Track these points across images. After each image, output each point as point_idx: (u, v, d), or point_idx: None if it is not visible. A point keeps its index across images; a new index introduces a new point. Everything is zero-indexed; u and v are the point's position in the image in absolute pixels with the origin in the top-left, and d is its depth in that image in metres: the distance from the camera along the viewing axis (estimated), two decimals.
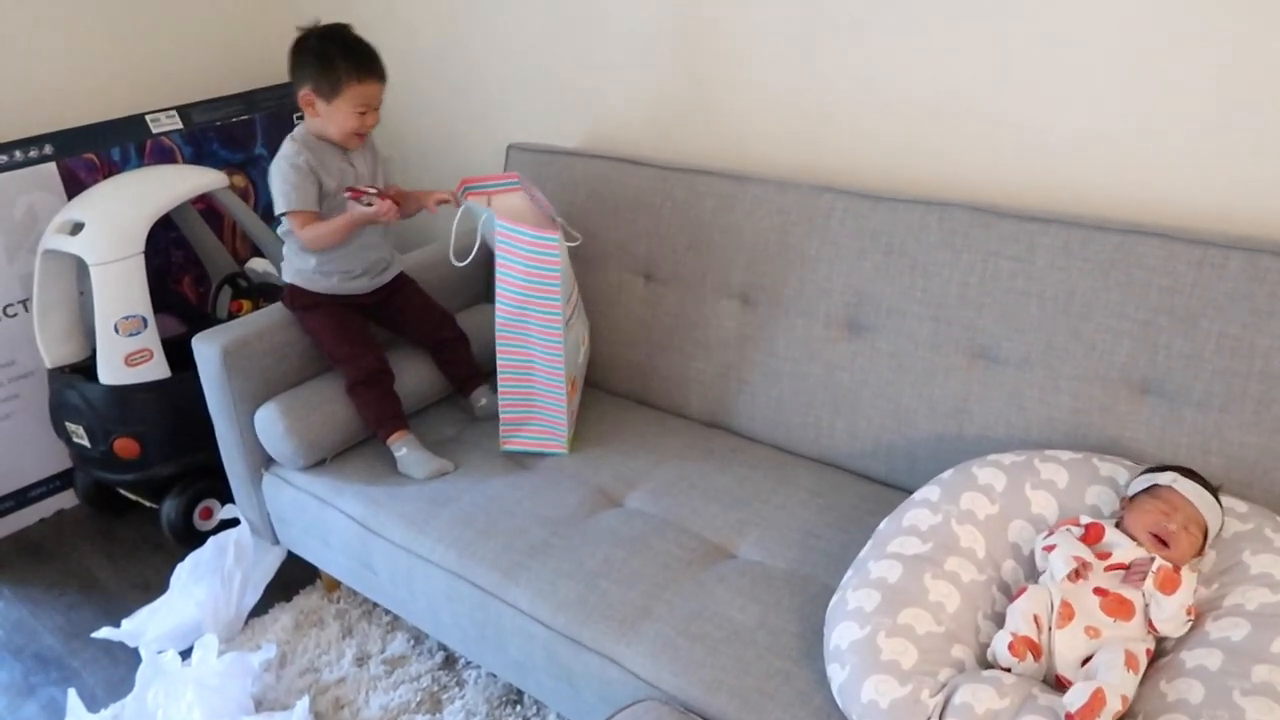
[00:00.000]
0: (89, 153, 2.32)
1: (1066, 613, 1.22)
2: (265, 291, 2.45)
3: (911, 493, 1.50)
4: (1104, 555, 1.29)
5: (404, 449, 1.84)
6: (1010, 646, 1.21)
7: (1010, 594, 1.32)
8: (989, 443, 1.61)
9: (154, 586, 2.13)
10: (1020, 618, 1.23)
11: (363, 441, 1.94)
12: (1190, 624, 1.23)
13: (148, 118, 2.42)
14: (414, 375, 1.99)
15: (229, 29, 2.70)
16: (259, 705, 1.82)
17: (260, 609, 2.05)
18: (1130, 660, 1.15)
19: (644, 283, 2.04)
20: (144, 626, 1.95)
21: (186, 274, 2.56)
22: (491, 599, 1.56)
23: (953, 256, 1.65)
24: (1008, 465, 1.45)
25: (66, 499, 2.50)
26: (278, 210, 1.79)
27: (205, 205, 2.46)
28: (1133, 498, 1.34)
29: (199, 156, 2.50)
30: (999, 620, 1.29)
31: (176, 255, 2.52)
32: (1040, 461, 1.45)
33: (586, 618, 1.46)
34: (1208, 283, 1.44)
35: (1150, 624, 1.22)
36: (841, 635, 1.26)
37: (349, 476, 1.84)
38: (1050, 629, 1.23)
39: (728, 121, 2.05)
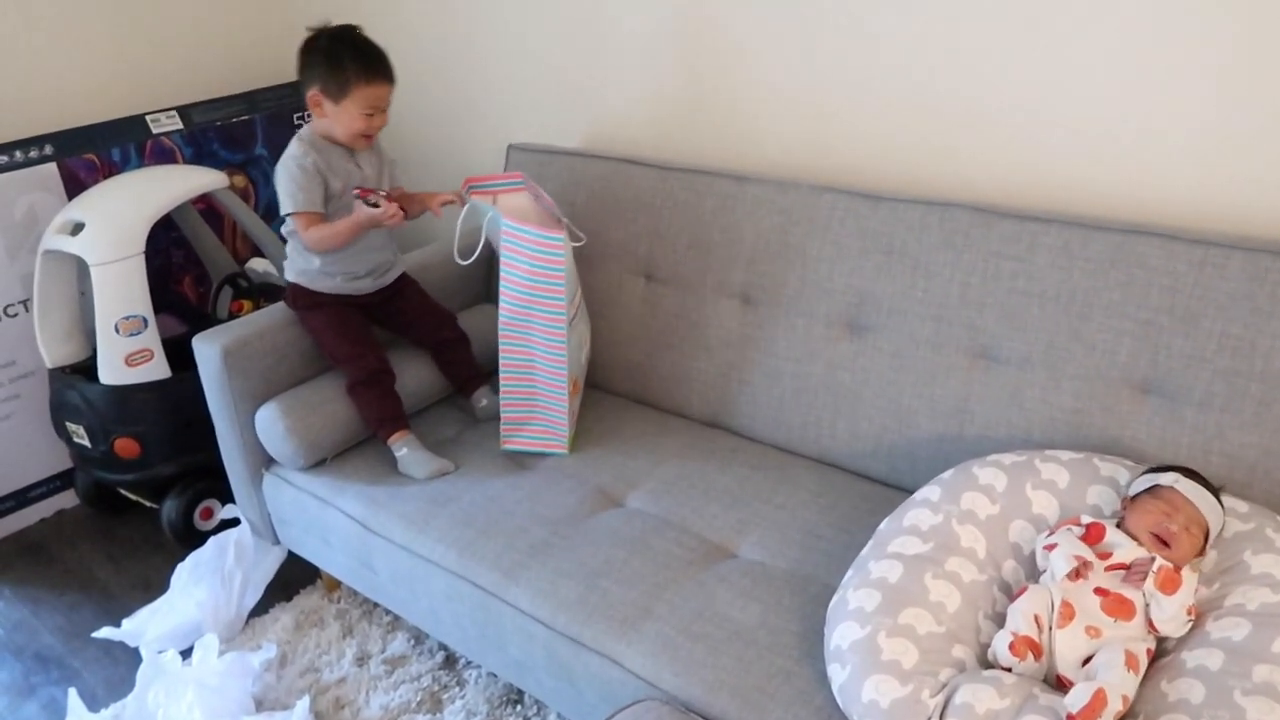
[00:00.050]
0: (89, 153, 2.32)
1: (1067, 612, 1.22)
2: (265, 291, 2.45)
3: (912, 493, 1.50)
4: (1105, 555, 1.29)
5: (404, 449, 1.84)
6: (1011, 646, 1.21)
7: (1011, 594, 1.32)
8: (990, 443, 1.61)
9: (154, 586, 2.13)
10: (1021, 617, 1.23)
11: (363, 441, 1.94)
12: (1191, 624, 1.23)
13: (148, 118, 2.42)
14: (414, 375, 1.99)
15: (229, 29, 2.70)
16: (259, 705, 1.82)
17: (261, 609, 2.05)
18: (1130, 660, 1.15)
19: (644, 283, 2.04)
20: (144, 626, 1.95)
21: (187, 274, 2.57)
22: (492, 599, 1.56)
23: (954, 256, 1.65)
24: (1008, 465, 1.45)
25: (67, 499, 2.50)
26: (283, 211, 1.79)
27: (205, 205, 2.46)
28: (1134, 498, 1.34)
29: (199, 157, 2.50)
30: (1000, 620, 1.29)
31: (177, 255, 2.52)
32: (1041, 461, 1.45)
33: (587, 617, 1.46)
34: (1209, 283, 1.44)
35: (1151, 624, 1.22)
36: (842, 635, 1.26)
37: (349, 476, 1.84)
38: (1051, 629, 1.23)
39: (728, 121, 2.05)
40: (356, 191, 1.76)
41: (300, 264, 1.88)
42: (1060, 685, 1.20)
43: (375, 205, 1.74)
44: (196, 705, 1.68)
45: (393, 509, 1.73)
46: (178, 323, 2.49)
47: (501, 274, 1.75)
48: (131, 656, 1.94)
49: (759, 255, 1.87)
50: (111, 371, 2.09)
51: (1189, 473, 1.34)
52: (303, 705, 1.72)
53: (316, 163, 1.76)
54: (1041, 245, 1.57)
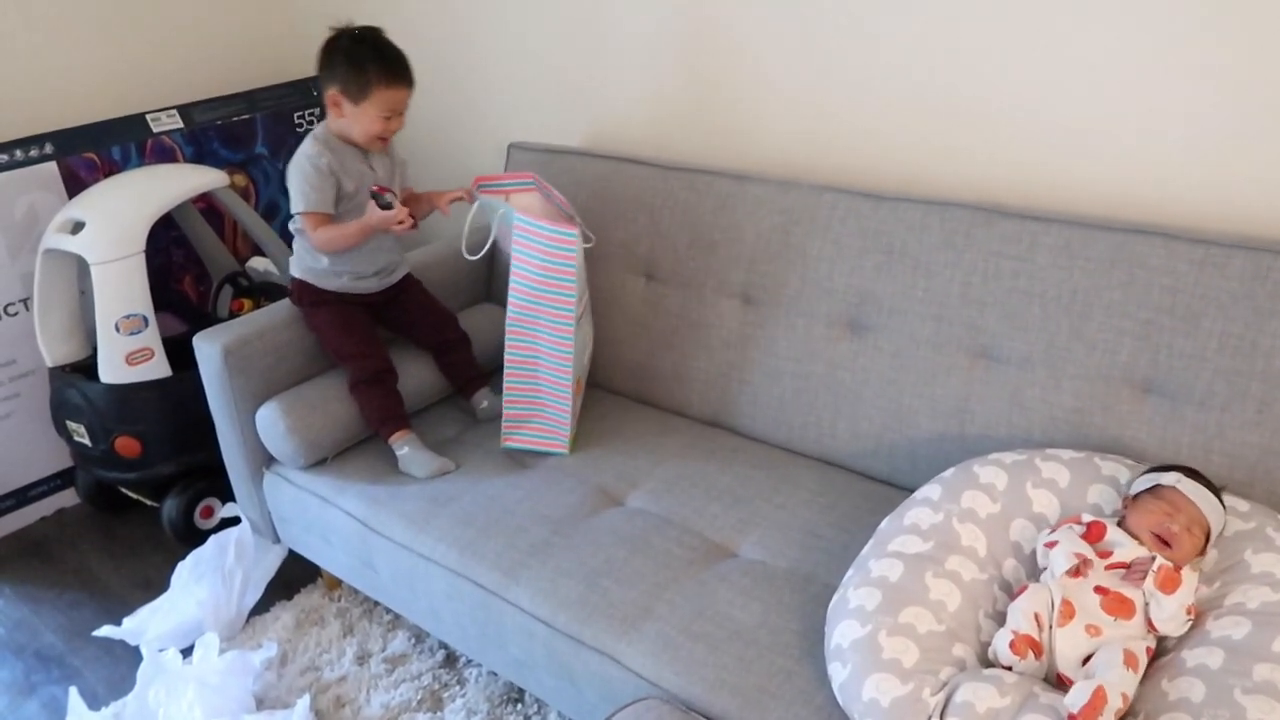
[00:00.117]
0: (89, 152, 2.32)
1: (1067, 611, 1.22)
2: (266, 290, 2.45)
3: (913, 492, 1.50)
4: (1105, 554, 1.29)
5: (406, 448, 1.84)
6: (1011, 645, 1.21)
7: (1011, 593, 1.32)
8: (990, 442, 1.61)
9: (155, 585, 2.13)
10: (1021, 616, 1.23)
11: (364, 441, 1.94)
12: (1190, 623, 1.23)
13: (148, 117, 2.42)
14: (415, 375, 1.99)
15: (229, 28, 2.70)
16: (260, 703, 1.82)
17: (261, 607, 2.05)
18: (1129, 658, 1.15)
19: (645, 282, 2.04)
20: (145, 625, 1.95)
21: (187, 273, 2.57)
22: (493, 598, 1.56)
23: (954, 256, 1.65)
24: (1009, 464, 1.45)
25: (67, 498, 2.50)
26: (294, 209, 1.79)
27: (206, 204, 2.46)
28: (1136, 497, 1.34)
29: (200, 156, 2.50)
30: (1000, 619, 1.29)
31: (177, 254, 2.52)
32: (1042, 460, 1.45)
33: (588, 616, 1.46)
34: (1210, 282, 1.44)
35: (1150, 623, 1.22)
36: (843, 634, 1.26)
37: (350, 475, 1.84)
38: (1051, 627, 1.23)
39: (729, 121, 2.05)
40: (373, 188, 1.75)
41: (307, 261, 1.88)
42: (1061, 684, 1.20)
43: (389, 206, 1.73)
44: (197, 704, 1.68)
45: (393, 508, 1.73)
46: (178, 322, 2.49)
47: (512, 269, 1.75)
48: (132, 655, 1.94)
49: (759, 255, 1.87)
50: (112, 370, 2.09)
51: (1191, 473, 1.34)
52: (303, 704, 1.72)
53: (331, 163, 1.76)
54: (1042, 245, 1.57)
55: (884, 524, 1.44)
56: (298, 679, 1.88)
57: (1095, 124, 1.61)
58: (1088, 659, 1.20)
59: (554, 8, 2.24)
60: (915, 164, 1.83)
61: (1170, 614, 1.21)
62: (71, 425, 2.17)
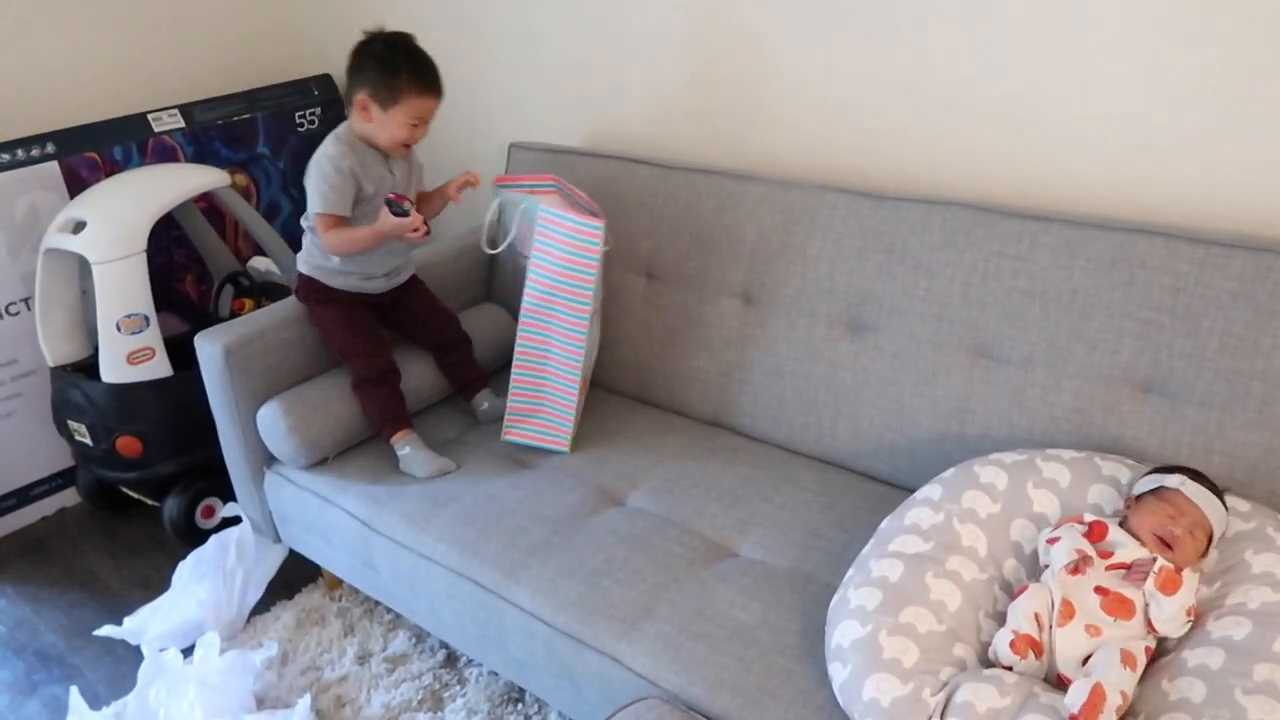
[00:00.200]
0: (91, 151, 2.32)
1: (1067, 611, 1.22)
2: (267, 290, 2.45)
3: (913, 492, 1.50)
4: (1107, 554, 1.29)
5: (407, 448, 1.84)
6: (1012, 645, 1.21)
7: (1012, 593, 1.32)
8: (991, 442, 1.61)
9: (156, 584, 2.13)
10: (1021, 616, 1.23)
11: (364, 441, 1.94)
12: (1190, 625, 1.23)
13: (150, 116, 2.43)
14: (417, 376, 1.99)
15: (230, 28, 2.70)
16: (261, 703, 1.82)
17: (262, 607, 2.05)
18: (1126, 658, 1.15)
19: (646, 282, 2.04)
20: (146, 624, 1.95)
21: (188, 272, 2.57)
22: (493, 597, 1.56)
23: (955, 256, 1.65)
24: (1009, 464, 1.45)
25: (68, 497, 2.50)
26: (311, 209, 1.78)
27: (207, 204, 2.46)
28: (1139, 498, 1.34)
29: (201, 155, 2.50)
30: (1000, 619, 1.29)
31: (178, 254, 2.53)
32: (1042, 460, 1.45)
33: (588, 616, 1.46)
34: (1210, 282, 1.44)
35: (1150, 624, 1.22)
36: (843, 634, 1.26)
37: (351, 475, 1.84)
38: (1051, 627, 1.23)
39: (730, 120, 2.05)
40: (390, 196, 1.75)
41: (317, 258, 1.88)
42: (1061, 684, 1.20)
43: (405, 214, 1.73)
44: (198, 703, 1.68)
45: (394, 508, 1.73)
46: (179, 321, 2.50)
47: (531, 260, 1.76)
48: (133, 654, 1.94)
49: (760, 254, 1.87)
50: (113, 370, 2.09)
51: (1195, 474, 1.34)
52: (304, 703, 1.72)
53: (353, 166, 1.75)
54: (1043, 244, 1.57)
55: (884, 524, 1.44)
56: (298, 679, 1.88)
57: (1096, 124, 1.61)
58: (1088, 659, 1.20)
59: (555, 8, 2.24)
60: (915, 164, 1.83)
61: (1170, 615, 1.21)
62: (73, 425, 2.17)
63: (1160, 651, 1.23)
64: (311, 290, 1.91)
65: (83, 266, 2.11)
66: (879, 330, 1.74)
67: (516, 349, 1.84)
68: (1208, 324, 1.44)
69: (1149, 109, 1.56)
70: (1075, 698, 1.09)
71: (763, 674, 1.32)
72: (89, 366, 2.16)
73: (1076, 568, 1.26)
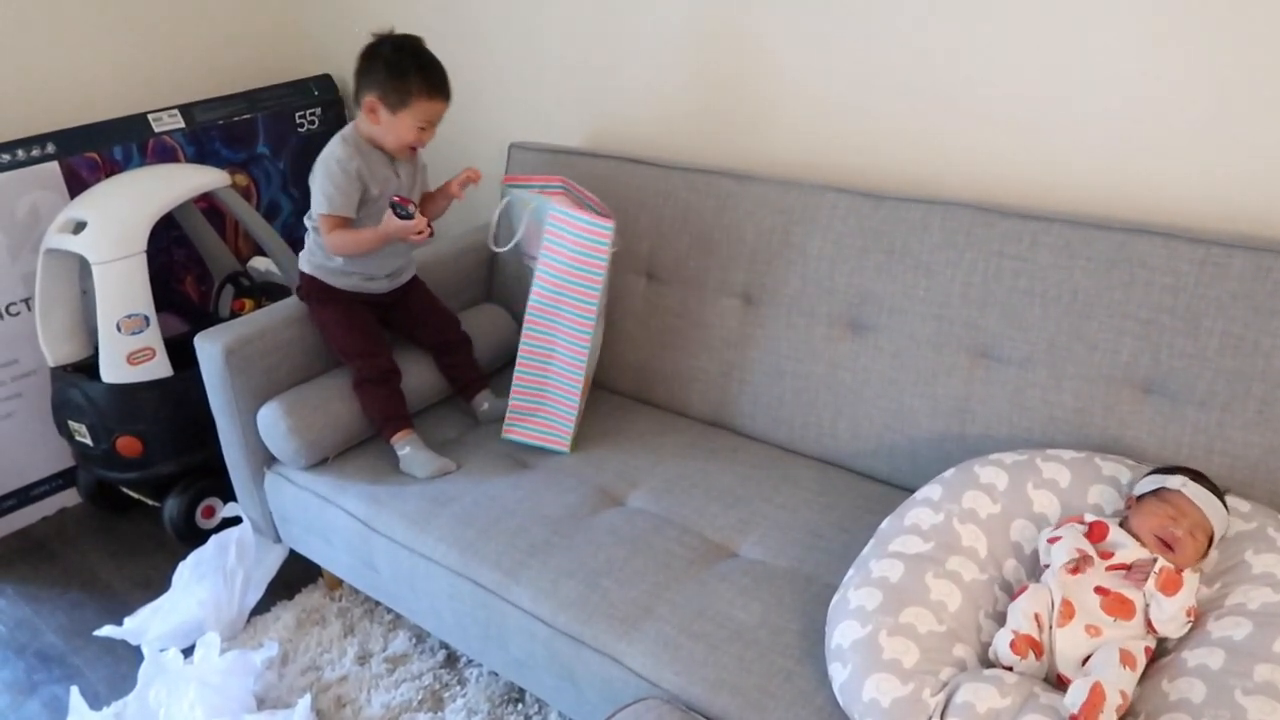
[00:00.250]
0: (91, 152, 2.32)
1: (1067, 611, 1.22)
2: (267, 290, 2.45)
3: (913, 492, 1.49)
4: (1107, 554, 1.29)
5: (407, 448, 1.84)
6: (1012, 645, 1.21)
7: (1012, 593, 1.32)
8: (991, 442, 1.61)
9: (156, 585, 2.13)
10: (1021, 616, 1.23)
11: (365, 441, 1.94)
12: (1190, 625, 1.23)
13: (150, 117, 2.43)
14: (417, 376, 1.99)
15: (231, 28, 2.70)
16: (261, 703, 1.82)
17: (262, 607, 2.05)
18: (1126, 658, 1.15)
19: (646, 282, 2.04)
20: (146, 624, 1.95)
21: (189, 273, 2.57)
22: (493, 598, 1.56)
23: (955, 255, 1.65)
24: (1010, 464, 1.45)
25: (69, 497, 2.50)
26: (315, 209, 1.79)
27: (207, 204, 2.47)
28: (1140, 498, 1.34)
29: (201, 155, 2.50)
30: (1000, 619, 1.29)
31: (179, 254, 2.53)
32: (1042, 460, 1.45)
33: (588, 616, 1.46)
34: (1210, 282, 1.44)
35: (1150, 624, 1.22)
36: (843, 634, 1.26)
37: (351, 475, 1.84)
38: (1051, 627, 1.23)
39: (730, 120, 2.05)
40: (394, 199, 1.75)
41: (320, 258, 1.87)
42: (1061, 684, 1.20)
43: (409, 216, 1.73)
44: (198, 703, 1.68)
45: (394, 508, 1.73)
46: (179, 321, 2.50)
47: (540, 259, 1.76)
48: (133, 655, 1.95)
49: (760, 254, 1.87)
50: (113, 370, 2.09)
51: (1197, 476, 1.34)
52: (304, 703, 1.72)
53: (360, 168, 1.75)
54: (1043, 244, 1.57)
55: (884, 524, 1.44)
56: (299, 679, 1.88)
57: (1096, 123, 1.61)
58: (1088, 659, 1.19)
59: (555, 8, 2.24)
60: (915, 164, 1.83)
61: (1170, 615, 1.21)
62: (73, 425, 2.18)
63: (1160, 652, 1.23)
64: (313, 289, 1.90)
65: (83, 267, 2.12)
66: (879, 330, 1.74)
67: (521, 347, 1.84)
68: (1208, 324, 1.44)
69: (1149, 109, 1.56)
70: (1075, 698, 1.09)
71: (763, 674, 1.32)
72: (89, 367, 2.16)
73: (1077, 567, 1.26)
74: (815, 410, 1.81)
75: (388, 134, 1.75)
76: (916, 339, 1.69)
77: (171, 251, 2.50)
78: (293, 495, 1.90)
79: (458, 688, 1.84)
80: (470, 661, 1.89)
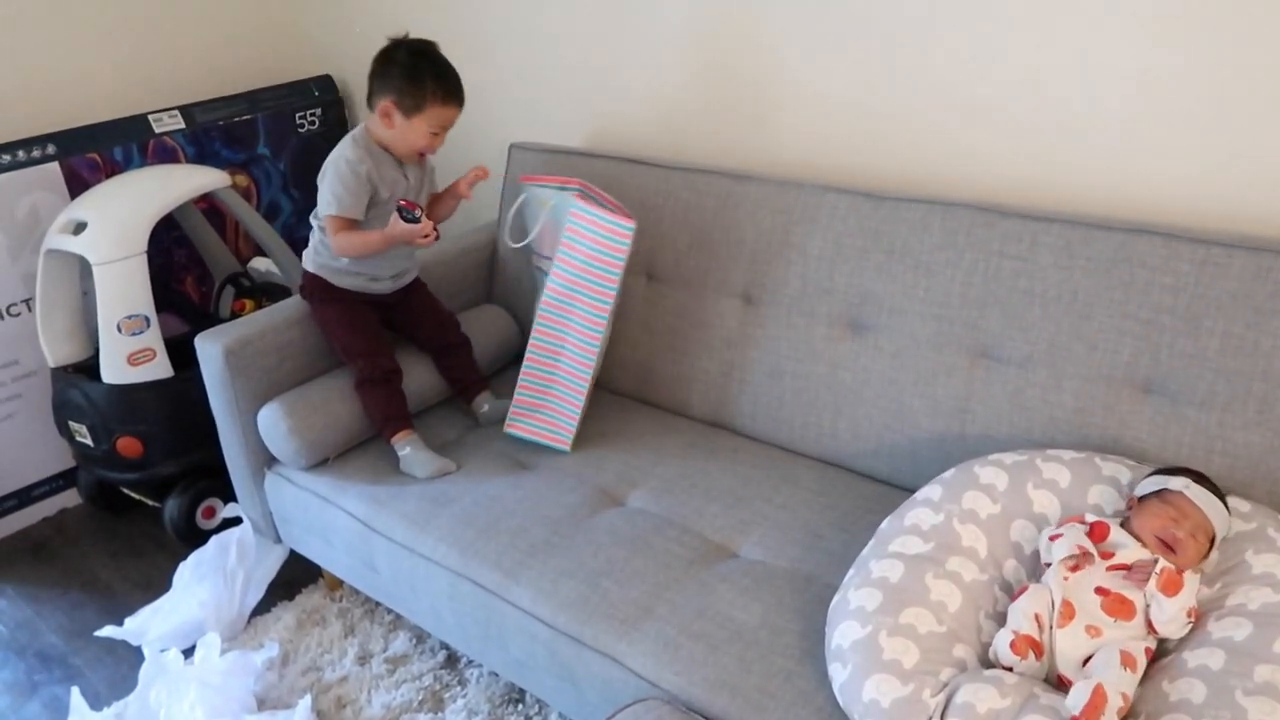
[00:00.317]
0: (92, 152, 2.32)
1: (1068, 612, 1.22)
2: (268, 291, 2.45)
3: (913, 492, 1.49)
4: (1108, 555, 1.29)
5: (407, 448, 1.84)
6: (1012, 645, 1.21)
7: (1012, 593, 1.32)
8: (991, 442, 1.60)
9: (156, 585, 2.13)
10: (1022, 616, 1.23)
11: (365, 441, 1.94)
12: (1190, 626, 1.23)
13: (150, 117, 2.43)
14: (417, 377, 1.99)
15: (231, 28, 2.70)
16: (261, 704, 1.82)
17: (262, 608, 2.05)
18: (1126, 659, 1.15)
19: (646, 282, 2.04)
20: (147, 625, 1.95)
21: (189, 273, 2.57)
22: (493, 598, 1.56)
23: (955, 256, 1.65)
24: (1010, 465, 1.45)
25: (69, 498, 2.50)
26: (323, 210, 1.79)
27: (208, 205, 2.47)
28: (1141, 499, 1.34)
29: (201, 156, 2.51)
30: (1001, 620, 1.29)
31: (179, 255, 2.53)
32: (1042, 461, 1.45)
33: (588, 617, 1.46)
34: (1210, 282, 1.44)
35: (1150, 624, 1.22)
36: (843, 634, 1.26)
37: (351, 476, 1.84)
38: (1051, 628, 1.23)
39: (730, 120, 2.05)
40: (401, 203, 1.75)
41: (324, 257, 1.87)
42: (1061, 685, 1.20)
43: (415, 220, 1.73)
44: (198, 704, 1.68)
45: (394, 508, 1.74)
46: (180, 322, 2.50)
47: (557, 256, 1.76)
48: (134, 655, 1.95)
49: (760, 254, 1.87)
50: (114, 371, 2.09)
51: (1198, 477, 1.33)
52: (304, 704, 1.72)
53: (370, 171, 1.76)
54: (1043, 245, 1.57)
55: (884, 524, 1.44)
56: (299, 679, 1.88)
57: (1096, 124, 1.61)
58: (1088, 660, 1.19)
59: (555, 8, 2.24)
60: (915, 164, 1.82)
61: (1171, 616, 1.21)
62: (73, 425, 2.18)
63: (1161, 652, 1.23)
64: (316, 288, 1.91)
65: (84, 267, 2.12)
66: (879, 330, 1.73)
67: (530, 341, 1.84)
68: (1208, 324, 1.44)
69: (1149, 109, 1.55)
70: (1076, 699, 1.09)
71: (763, 675, 1.32)
72: (90, 367, 2.16)
73: (1077, 564, 1.26)
74: (815, 410, 1.81)
75: (401, 138, 1.76)
76: (916, 339, 1.69)
77: (172, 252, 2.50)
78: (293, 496, 1.90)
79: (458, 688, 1.84)
80: (470, 662, 1.89)
